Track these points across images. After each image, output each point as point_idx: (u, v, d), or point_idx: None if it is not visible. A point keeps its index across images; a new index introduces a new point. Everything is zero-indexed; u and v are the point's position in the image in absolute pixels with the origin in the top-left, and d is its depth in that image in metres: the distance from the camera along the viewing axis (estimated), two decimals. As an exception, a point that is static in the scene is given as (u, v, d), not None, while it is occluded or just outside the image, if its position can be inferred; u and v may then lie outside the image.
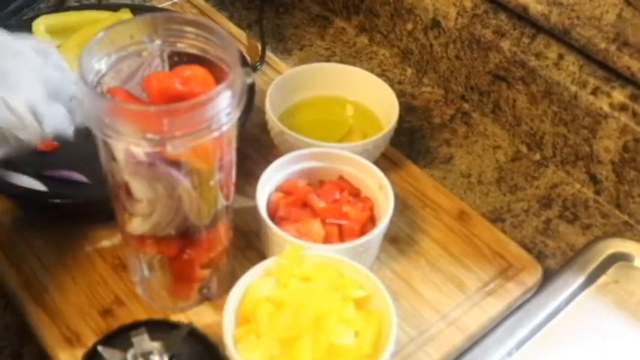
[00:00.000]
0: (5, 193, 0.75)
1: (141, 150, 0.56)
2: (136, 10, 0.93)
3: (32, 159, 0.76)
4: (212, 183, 0.61)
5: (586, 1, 0.80)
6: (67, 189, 0.77)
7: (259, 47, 0.97)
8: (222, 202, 0.63)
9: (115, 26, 0.59)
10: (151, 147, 0.55)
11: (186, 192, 0.59)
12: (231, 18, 1.06)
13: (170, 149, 0.55)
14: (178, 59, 0.61)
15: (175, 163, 0.57)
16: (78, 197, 0.76)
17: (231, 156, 0.61)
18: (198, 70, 0.58)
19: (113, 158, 0.58)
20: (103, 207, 0.69)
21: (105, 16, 0.90)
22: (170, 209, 0.60)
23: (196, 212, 0.61)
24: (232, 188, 0.64)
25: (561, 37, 0.82)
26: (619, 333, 0.74)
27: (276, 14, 1.08)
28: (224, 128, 0.55)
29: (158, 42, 0.60)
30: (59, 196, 0.75)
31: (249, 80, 0.58)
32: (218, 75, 0.59)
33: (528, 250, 0.79)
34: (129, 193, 0.60)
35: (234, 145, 0.60)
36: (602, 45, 0.78)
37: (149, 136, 0.54)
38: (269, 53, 0.98)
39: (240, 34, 1.00)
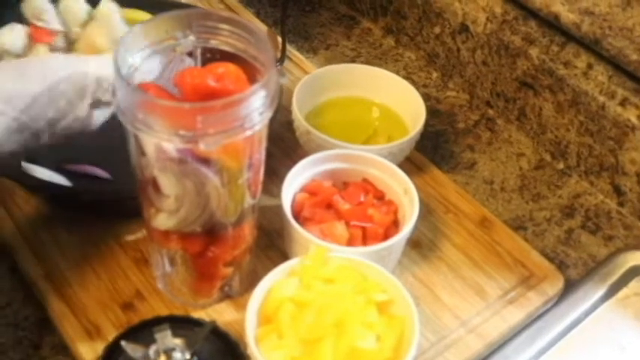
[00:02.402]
0: (30, 187, 0.75)
1: (172, 146, 0.55)
2: (163, 6, 0.93)
3: (54, 153, 0.77)
4: (240, 181, 0.60)
5: (619, 12, 0.80)
6: (90, 184, 0.77)
7: (279, 42, 0.96)
8: (248, 201, 0.63)
9: (151, 21, 0.59)
10: (183, 143, 0.54)
11: (215, 189, 0.59)
12: (257, 15, 1.06)
13: (202, 147, 0.54)
14: (211, 56, 0.61)
15: (205, 161, 0.57)
16: (100, 193, 0.76)
17: (260, 155, 0.61)
18: (231, 68, 0.58)
19: (143, 153, 0.58)
20: (125, 204, 0.69)
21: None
22: (197, 206, 0.60)
23: (223, 210, 0.61)
24: (260, 187, 0.64)
25: (591, 46, 0.81)
26: (638, 346, 0.73)
27: (303, 13, 1.08)
28: (257, 127, 0.55)
29: (192, 38, 0.60)
30: (82, 192, 0.75)
31: (283, 80, 0.57)
32: (250, 73, 0.59)
33: (550, 259, 0.78)
34: (157, 188, 0.60)
35: (264, 144, 0.60)
36: (634, 56, 0.77)
37: (182, 132, 0.53)
38: (295, 51, 0.98)
39: (262, 28, 1.00)
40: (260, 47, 0.58)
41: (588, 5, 0.81)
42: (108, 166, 0.78)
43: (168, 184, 0.59)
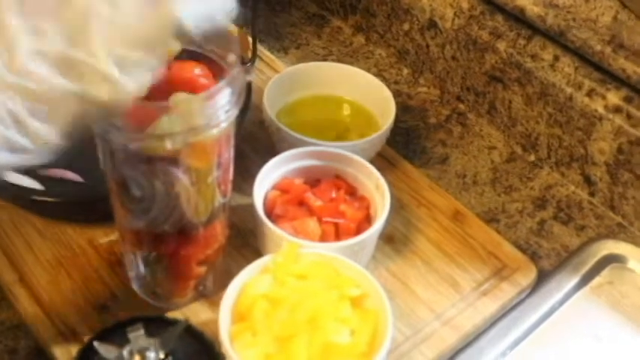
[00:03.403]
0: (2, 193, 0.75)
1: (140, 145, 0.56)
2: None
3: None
4: (210, 180, 0.61)
5: (582, 4, 0.81)
6: (61, 188, 0.77)
7: (250, 42, 0.96)
8: (219, 200, 0.63)
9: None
10: (150, 143, 0.55)
11: (184, 189, 0.59)
12: (227, 16, 1.06)
13: (169, 146, 0.54)
14: (177, 55, 0.61)
15: (173, 160, 0.57)
16: (72, 196, 0.76)
17: (229, 153, 0.61)
18: (197, 67, 0.58)
19: (112, 154, 0.58)
20: (97, 206, 0.69)
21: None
22: (167, 206, 0.60)
23: (194, 209, 0.61)
24: (230, 186, 0.64)
25: (557, 38, 0.82)
26: (612, 334, 0.74)
27: (273, 12, 1.08)
28: (223, 125, 0.56)
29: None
30: (53, 195, 0.75)
31: (248, 78, 0.57)
32: (216, 72, 0.59)
33: (522, 250, 0.79)
34: (126, 189, 0.60)
35: (232, 142, 0.61)
36: (598, 47, 0.78)
37: (149, 132, 0.54)
38: (266, 51, 0.98)
39: (232, 28, 1.00)
40: (225, 46, 0.59)
41: (553, -2, 0.82)
42: (79, 169, 0.78)
43: (137, 184, 0.59)
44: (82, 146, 0.61)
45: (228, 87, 0.55)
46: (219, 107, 0.55)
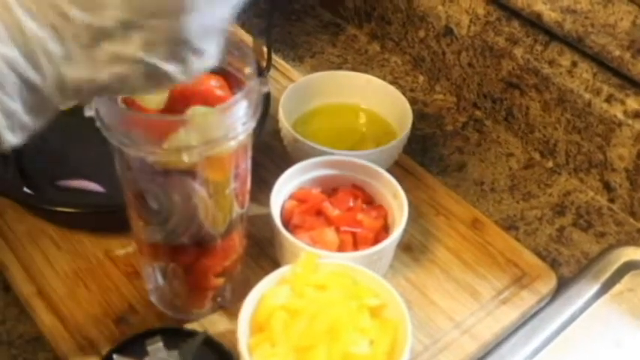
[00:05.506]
0: (28, 204, 0.75)
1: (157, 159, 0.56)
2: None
3: (46, 168, 0.78)
4: (227, 192, 0.60)
5: (600, 9, 0.80)
6: (81, 198, 0.78)
7: (265, 52, 0.96)
8: (237, 211, 0.63)
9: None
10: (167, 157, 0.55)
11: (202, 201, 0.59)
12: (242, 26, 1.06)
13: (186, 159, 0.54)
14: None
15: (191, 173, 0.57)
16: (90, 207, 0.76)
17: (246, 165, 0.61)
18: (214, 79, 0.58)
19: (129, 167, 0.58)
20: (122, 216, 0.69)
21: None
22: (185, 218, 0.60)
23: (212, 221, 0.61)
24: (247, 197, 0.64)
25: (575, 44, 0.82)
26: (633, 341, 0.74)
27: (288, 21, 1.08)
28: (240, 138, 0.55)
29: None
30: (82, 206, 0.75)
31: (265, 89, 0.57)
32: (233, 83, 0.59)
33: (542, 258, 0.78)
34: (144, 201, 0.60)
35: (249, 154, 0.60)
36: (617, 52, 0.78)
37: (165, 145, 0.53)
38: (281, 60, 0.98)
39: (247, 38, 1.00)
40: (242, 58, 0.58)
41: (569, 3, 0.81)
42: (100, 179, 0.78)
43: (155, 197, 0.59)
44: (103, 156, 0.62)
45: (245, 99, 0.55)
46: (237, 119, 0.55)
